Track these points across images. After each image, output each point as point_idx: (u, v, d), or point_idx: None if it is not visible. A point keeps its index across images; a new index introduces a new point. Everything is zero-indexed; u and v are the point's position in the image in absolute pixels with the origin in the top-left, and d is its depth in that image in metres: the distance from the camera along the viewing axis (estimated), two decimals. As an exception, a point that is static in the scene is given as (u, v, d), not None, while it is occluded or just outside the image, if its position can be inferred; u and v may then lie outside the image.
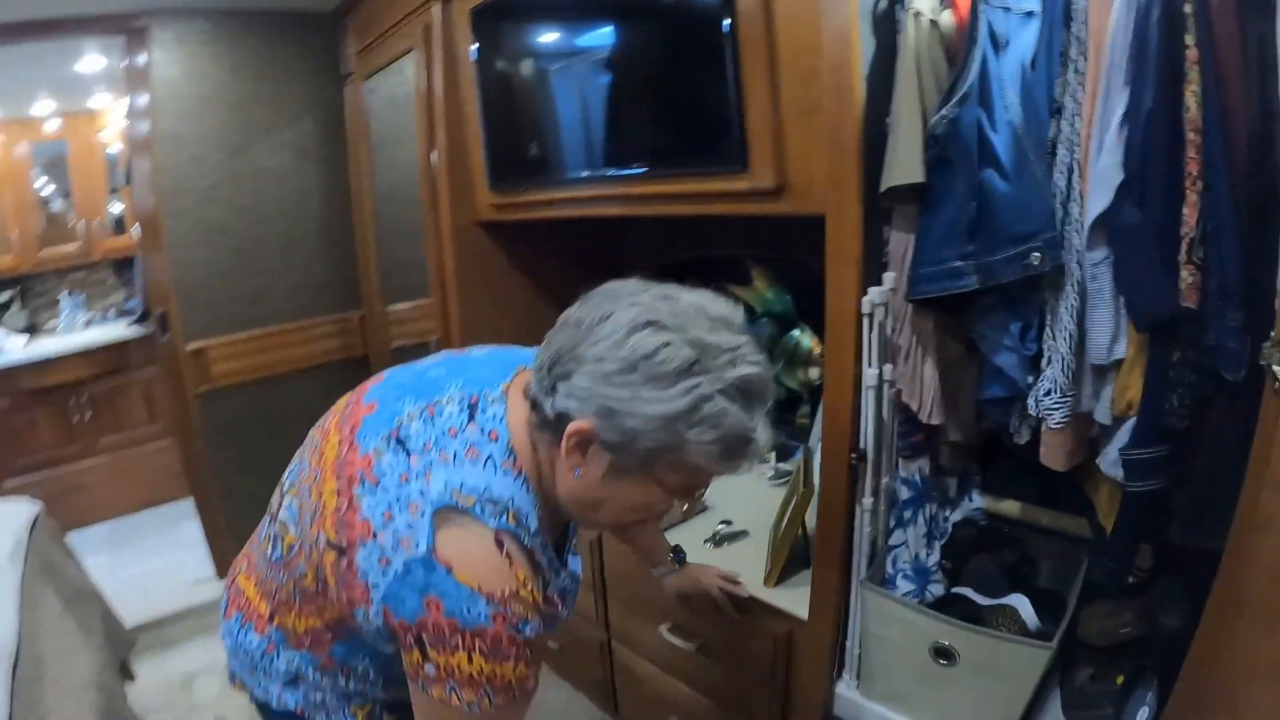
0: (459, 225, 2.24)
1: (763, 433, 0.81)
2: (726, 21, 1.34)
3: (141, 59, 2.60)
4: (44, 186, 4.09)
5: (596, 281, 0.87)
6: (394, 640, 0.85)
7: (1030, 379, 1.21)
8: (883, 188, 1.19)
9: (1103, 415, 1.17)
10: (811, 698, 1.54)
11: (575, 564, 1.11)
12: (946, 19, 1.18)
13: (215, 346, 2.87)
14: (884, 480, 1.40)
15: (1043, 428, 1.21)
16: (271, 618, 1.03)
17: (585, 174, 1.84)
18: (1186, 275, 0.99)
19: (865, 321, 1.27)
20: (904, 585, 1.46)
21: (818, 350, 1.99)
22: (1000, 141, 1.12)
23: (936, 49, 1.17)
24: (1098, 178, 1.04)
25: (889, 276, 1.28)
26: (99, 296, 4.32)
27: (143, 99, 2.63)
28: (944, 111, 1.12)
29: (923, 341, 1.30)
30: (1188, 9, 0.95)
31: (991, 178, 1.12)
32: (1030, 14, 1.13)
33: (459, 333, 2.32)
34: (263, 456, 1.02)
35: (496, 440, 0.87)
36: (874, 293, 1.25)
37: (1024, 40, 1.14)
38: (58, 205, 4.15)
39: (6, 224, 3.91)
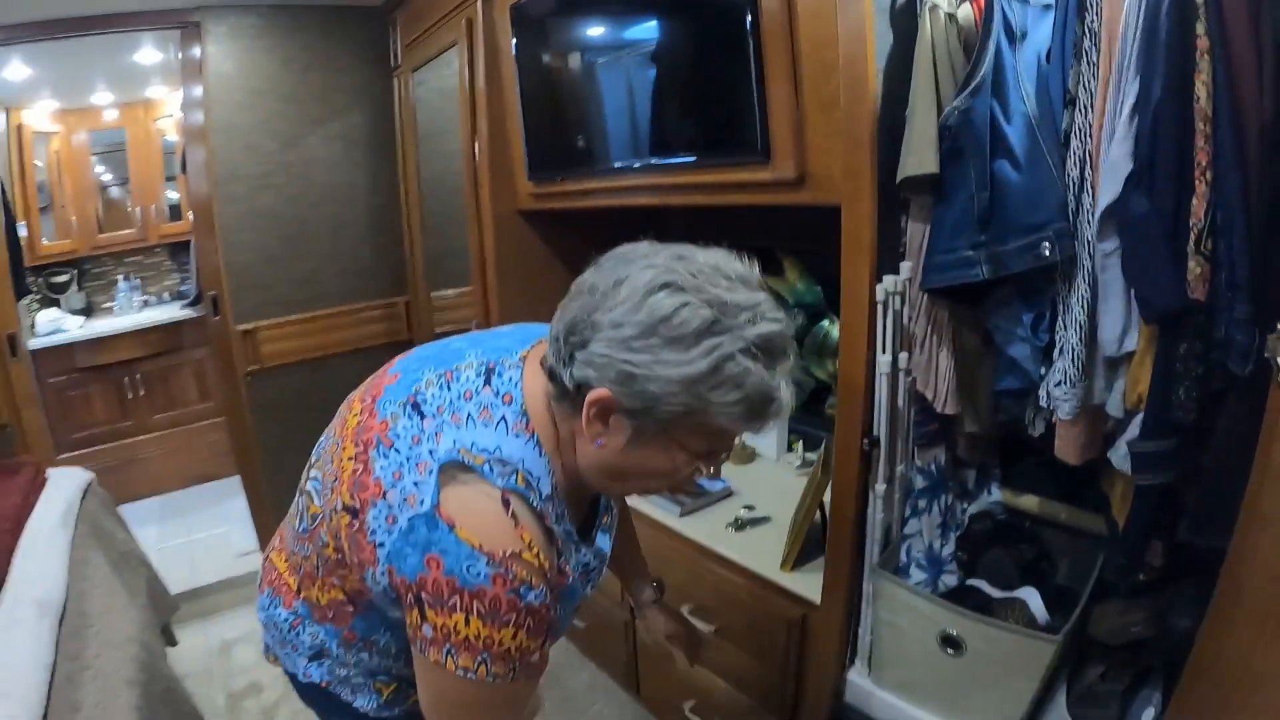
0: (499, 214, 2.30)
1: (785, 390, 0.78)
2: (749, 17, 1.37)
3: (196, 52, 2.70)
4: (103, 174, 4.27)
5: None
6: (400, 603, 0.83)
7: (1043, 370, 1.21)
8: (899, 178, 1.21)
9: (1115, 408, 1.17)
10: (824, 684, 1.56)
11: (604, 542, 1.05)
12: (965, 12, 1.19)
13: (264, 328, 2.98)
14: (899, 468, 1.42)
15: (1055, 419, 1.22)
16: (298, 591, 1.04)
17: (618, 165, 1.88)
18: (1195, 267, 0.99)
19: (880, 309, 1.29)
20: (917, 574, 1.48)
21: (847, 341, 2.00)
22: (1014, 132, 1.13)
23: (954, 42, 1.18)
24: (1108, 168, 1.04)
25: (906, 266, 1.30)
26: (154, 280, 4.48)
27: (197, 90, 2.74)
28: (956, 102, 1.13)
29: (938, 331, 1.31)
30: (1199, -1, 0.94)
31: (1004, 168, 1.13)
32: (1049, 6, 1.15)
33: (498, 318, 2.38)
34: (308, 435, 1.05)
35: (510, 403, 0.86)
36: (888, 281, 1.27)
37: (1042, 32, 1.16)
38: (116, 192, 4.33)
39: (66, 209, 4.08)
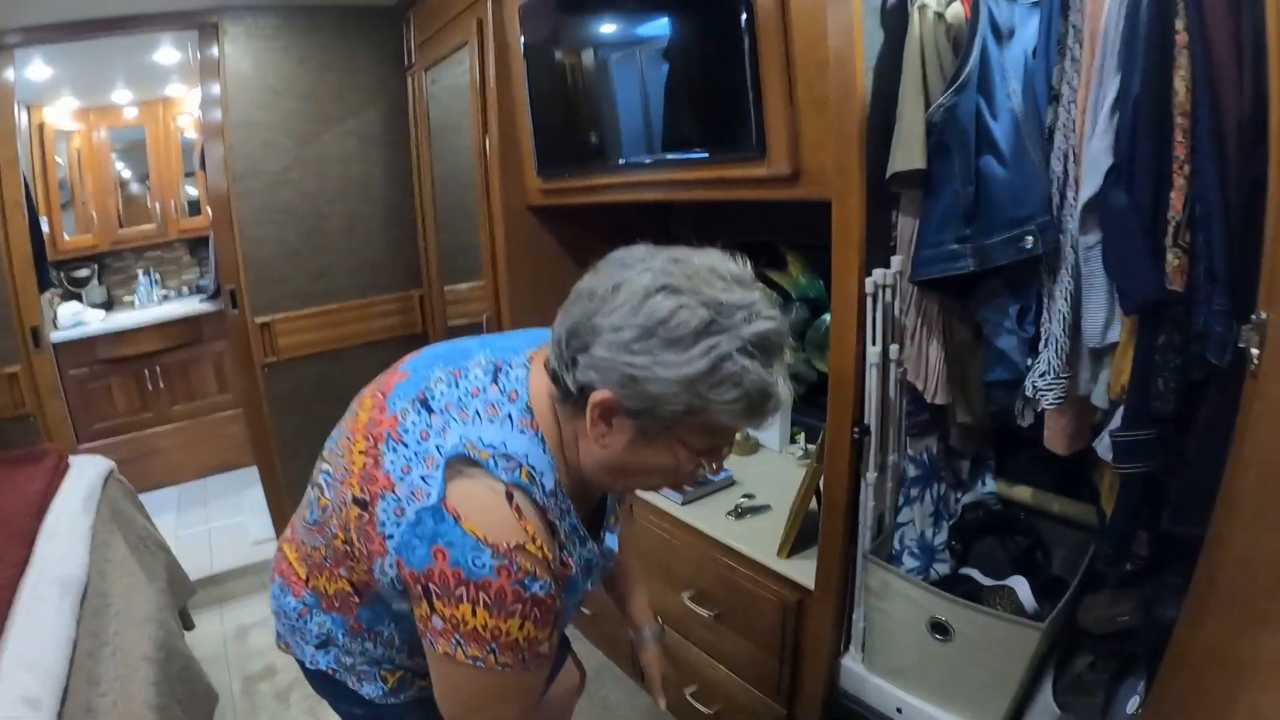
0: (509, 209, 2.35)
1: (782, 386, 0.80)
2: (744, 15, 1.40)
3: (214, 52, 2.76)
4: (123, 170, 4.35)
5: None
6: (408, 596, 0.86)
7: (1030, 361, 1.24)
8: (888, 174, 1.24)
9: (1099, 399, 1.19)
10: (819, 669, 1.60)
11: (612, 540, 1.09)
12: (955, 11, 1.22)
13: (281, 321, 3.03)
14: (890, 457, 1.44)
15: (1042, 410, 1.24)
16: (307, 581, 1.07)
17: (623, 161, 1.92)
18: (1173, 259, 1.00)
19: (870, 302, 1.32)
20: (909, 562, 1.50)
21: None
22: (1000, 128, 1.16)
23: (943, 41, 1.21)
24: (1089, 163, 1.06)
25: (897, 260, 1.33)
26: (173, 274, 4.56)
27: (215, 89, 2.79)
28: (942, 99, 1.16)
29: (928, 323, 1.34)
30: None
31: (989, 164, 1.16)
32: (1036, 4, 1.17)
33: (509, 312, 2.43)
34: (324, 426, 1.08)
35: (516, 400, 0.88)
36: (877, 274, 1.30)
37: (1029, 30, 1.18)
38: (135, 188, 4.40)
39: (87, 205, 4.17)
